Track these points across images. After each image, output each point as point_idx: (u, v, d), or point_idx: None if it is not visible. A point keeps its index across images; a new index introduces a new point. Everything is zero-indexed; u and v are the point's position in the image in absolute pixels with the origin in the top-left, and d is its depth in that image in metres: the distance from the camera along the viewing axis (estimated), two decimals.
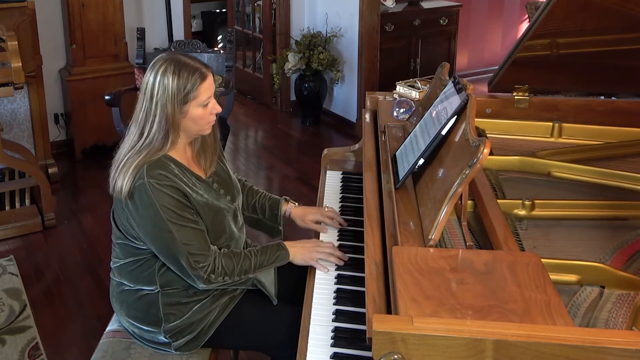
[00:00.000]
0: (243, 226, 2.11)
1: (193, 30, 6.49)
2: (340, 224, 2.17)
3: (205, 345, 1.99)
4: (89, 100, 4.63)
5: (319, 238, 2.13)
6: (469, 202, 1.84)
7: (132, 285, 1.97)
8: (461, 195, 1.61)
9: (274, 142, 5.40)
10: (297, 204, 2.23)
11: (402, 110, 2.37)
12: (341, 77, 5.49)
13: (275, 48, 5.90)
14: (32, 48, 4.10)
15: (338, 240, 2.11)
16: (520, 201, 1.93)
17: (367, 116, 2.55)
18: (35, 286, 3.31)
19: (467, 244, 1.65)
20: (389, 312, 1.45)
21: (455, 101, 1.81)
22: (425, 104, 2.13)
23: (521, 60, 2.29)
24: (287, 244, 2.02)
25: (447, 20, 6.08)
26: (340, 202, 2.36)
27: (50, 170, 4.37)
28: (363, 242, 1.81)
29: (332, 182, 2.50)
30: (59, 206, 4.07)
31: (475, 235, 1.77)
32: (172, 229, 1.81)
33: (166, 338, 1.94)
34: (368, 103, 2.62)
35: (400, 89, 2.61)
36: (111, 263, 2.04)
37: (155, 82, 1.82)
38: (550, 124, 2.40)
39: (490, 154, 1.74)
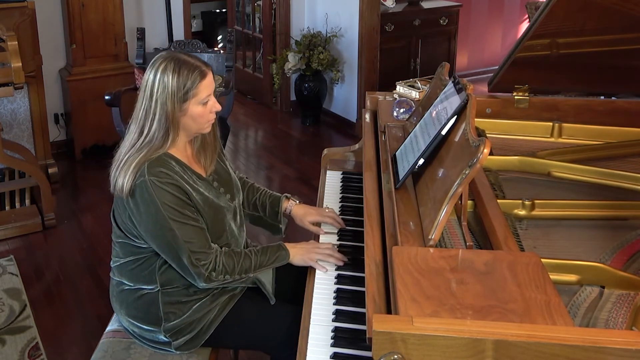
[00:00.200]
0: (243, 225, 2.11)
1: (193, 30, 6.49)
2: (339, 223, 2.17)
3: (205, 344, 1.99)
4: (89, 100, 4.63)
5: (318, 240, 2.13)
6: (469, 202, 1.84)
7: (132, 285, 1.97)
8: (461, 195, 1.61)
9: (274, 142, 5.40)
10: (298, 201, 2.23)
11: (402, 110, 2.37)
12: (341, 77, 5.49)
13: (275, 48, 5.90)
14: (32, 48, 4.10)
15: (338, 240, 2.12)
16: (520, 201, 1.93)
17: (367, 116, 2.55)
18: (35, 286, 3.31)
19: (467, 244, 1.65)
20: (389, 312, 1.45)
21: (455, 101, 1.81)
22: (425, 104, 2.13)
23: (521, 60, 2.29)
24: (288, 245, 2.02)
25: (447, 20, 6.08)
26: (340, 202, 2.35)
27: (50, 170, 4.37)
28: (363, 242, 1.81)
29: (332, 182, 2.50)
30: (59, 206, 4.07)
31: (475, 235, 1.77)
32: (173, 226, 1.81)
33: (166, 337, 1.94)
34: (368, 103, 2.62)
35: (400, 89, 2.61)
36: (111, 262, 2.04)
37: (155, 80, 1.83)
38: (550, 124, 2.40)
39: (490, 154, 1.74)
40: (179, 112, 1.84)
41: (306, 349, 1.64)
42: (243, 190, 2.21)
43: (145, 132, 1.84)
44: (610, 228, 1.89)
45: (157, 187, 1.80)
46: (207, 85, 1.86)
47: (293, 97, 5.82)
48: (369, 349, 1.28)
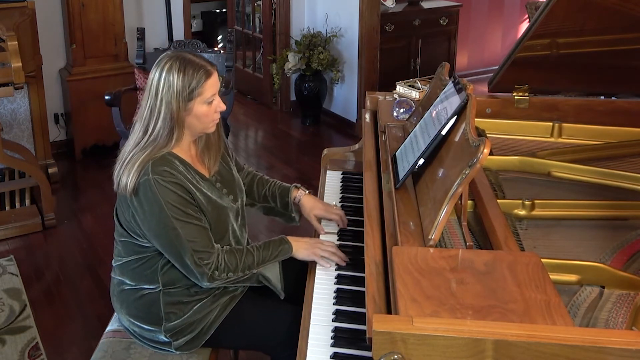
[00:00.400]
0: (245, 225, 2.11)
1: (193, 30, 6.49)
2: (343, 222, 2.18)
3: (206, 344, 1.99)
4: (89, 100, 4.63)
5: (319, 237, 2.13)
6: (469, 202, 1.84)
7: (133, 284, 1.97)
8: (461, 195, 1.61)
9: (274, 142, 5.40)
10: (307, 191, 2.24)
11: (402, 110, 2.37)
12: (341, 77, 5.49)
13: (275, 48, 5.90)
14: (32, 48, 4.10)
15: (338, 240, 2.12)
16: (520, 201, 1.93)
17: (367, 116, 2.55)
18: (35, 286, 3.32)
19: (467, 244, 1.65)
20: (389, 312, 1.45)
21: (455, 101, 1.81)
22: (425, 104, 2.13)
23: (521, 60, 2.29)
24: (291, 238, 2.02)
25: (447, 20, 6.08)
26: (340, 202, 2.35)
27: (50, 170, 4.37)
28: (363, 242, 1.81)
29: (332, 182, 2.50)
30: (59, 206, 4.07)
31: (475, 235, 1.77)
32: (176, 225, 1.82)
33: (166, 337, 1.94)
34: (368, 103, 2.62)
35: (400, 89, 2.61)
36: (113, 261, 2.04)
37: (160, 78, 1.83)
38: (550, 124, 2.40)
39: (490, 154, 1.74)
40: (183, 111, 1.84)
41: (306, 349, 1.64)
42: (253, 183, 2.22)
43: (149, 130, 1.85)
44: (610, 228, 1.89)
45: (161, 185, 1.80)
46: (212, 85, 1.87)
47: (293, 97, 5.82)
48: (369, 349, 1.28)
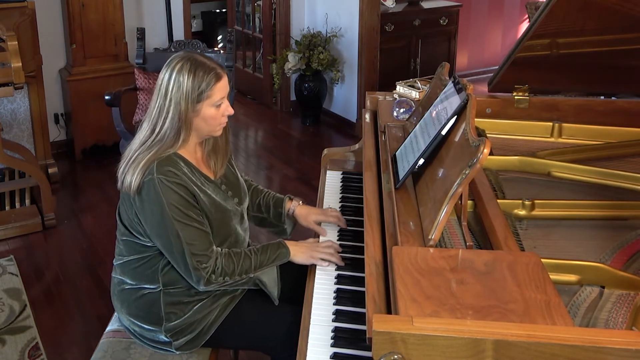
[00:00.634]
0: (248, 229, 2.11)
1: (193, 30, 6.49)
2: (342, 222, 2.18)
3: (206, 344, 1.99)
4: (89, 100, 4.64)
5: (318, 239, 2.13)
6: (469, 202, 1.84)
7: (134, 284, 1.97)
8: (461, 195, 1.61)
9: (274, 142, 5.40)
10: (300, 202, 2.24)
11: (402, 110, 2.37)
12: (341, 77, 5.49)
13: (275, 48, 5.90)
14: (32, 48, 4.10)
15: (338, 240, 2.12)
16: (520, 201, 1.93)
17: (367, 116, 2.55)
18: (35, 286, 3.31)
19: (467, 244, 1.65)
20: (389, 312, 1.45)
21: (455, 101, 1.81)
22: (425, 104, 2.13)
23: (521, 60, 2.29)
24: (288, 242, 2.02)
25: (447, 20, 6.08)
26: (340, 202, 2.36)
27: (50, 170, 4.37)
28: (363, 242, 1.81)
29: (332, 182, 2.50)
30: (59, 206, 4.07)
31: (475, 235, 1.77)
32: (176, 226, 1.82)
33: (167, 337, 1.94)
34: (368, 103, 2.62)
35: (400, 89, 2.61)
36: (114, 260, 2.04)
37: (170, 79, 1.84)
38: (550, 124, 2.40)
39: (490, 154, 1.74)
40: (192, 112, 1.84)
41: (306, 349, 1.64)
42: (248, 191, 2.21)
43: (157, 130, 1.85)
44: (610, 228, 1.89)
45: (165, 186, 1.81)
46: (222, 88, 1.87)
47: (293, 97, 5.82)
48: (369, 349, 1.28)
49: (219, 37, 7.64)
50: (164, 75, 1.86)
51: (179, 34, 5.18)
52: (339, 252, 2.00)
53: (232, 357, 2.50)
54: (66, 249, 3.69)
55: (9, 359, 2.76)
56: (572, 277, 1.66)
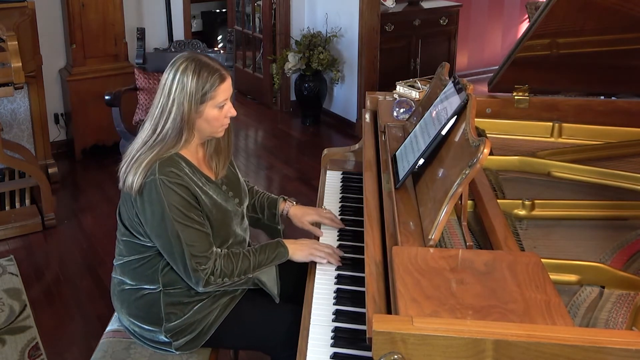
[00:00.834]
0: (248, 229, 2.11)
1: (193, 30, 6.49)
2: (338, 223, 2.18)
3: (206, 345, 1.99)
4: (89, 100, 4.64)
5: (318, 239, 2.13)
6: (469, 202, 1.84)
7: (133, 284, 1.97)
8: (461, 195, 1.61)
9: (274, 142, 5.40)
10: (294, 202, 2.24)
11: (402, 110, 2.37)
12: (341, 77, 5.49)
13: (275, 48, 5.90)
14: (32, 48, 4.10)
15: (338, 240, 2.11)
16: (520, 201, 1.93)
17: (367, 116, 2.55)
18: (35, 286, 3.31)
19: (467, 244, 1.65)
20: (389, 312, 1.45)
21: (455, 101, 1.81)
22: (425, 104, 2.13)
23: (521, 60, 2.29)
24: (286, 241, 2.02)
25: (447, 20, 6.08)
26: (340, 202, 2.36)
27: (50, 170, 4.37)
28: (363, 242, 1.81)
29: (332, 182, 2.50)
30: (59, 206, 4.07)
31: (475, 235, 1.77)
32: (177, 227, 1.82)
33: (167, 338, 1.94)
34: (368, 103, 2.62)
35: (400, 89, 2.61)
36: (114, 260, 2.04)
37: (174, 79, 1.84)
38: (550, 124, 2.40)
39: (490, 154, 1.74)
40: (194, 113, 1.84)
41: (306, 349, 1.64)
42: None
43: (158, 130, 1.85)
44: (610, 228, 1.89)
45: (166, 186, 1.81)
46: (225, 90, 1.87)
47: (293, 97, 5.82)
48: (369, 349, 1.28)
49: (219, 37, 7.64)
50: (167, 75, 1.86)
51: (179, 34, 5.18)
52: (338, 259, 2.00)
53: (232, 357, 2.50)
54: (66, 249, 3.69)
55: (9, 359, 2.76)
56: (572, 277, 1.66)
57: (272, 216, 2.22)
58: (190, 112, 1.83)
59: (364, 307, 1.52)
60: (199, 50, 4.20)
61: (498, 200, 1.83)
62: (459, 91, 1.83)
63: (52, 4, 4.63)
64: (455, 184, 1.56)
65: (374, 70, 5.28)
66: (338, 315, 1.75)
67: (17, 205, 3.88)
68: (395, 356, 1.21)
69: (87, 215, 4.06)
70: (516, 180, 2.15)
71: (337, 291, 1.86)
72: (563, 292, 1.61)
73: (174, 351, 1.96)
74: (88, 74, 4.65)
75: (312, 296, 1.84)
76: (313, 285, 1.89)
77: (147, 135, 1.87)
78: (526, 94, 2.42)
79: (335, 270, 1.95)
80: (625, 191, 2.04)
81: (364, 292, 1.59)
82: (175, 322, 1.93)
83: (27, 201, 3.92)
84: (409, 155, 1.90)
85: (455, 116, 1.77)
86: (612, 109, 2.40)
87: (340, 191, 2.43)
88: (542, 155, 2.23)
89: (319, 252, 1.98)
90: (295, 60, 5.37)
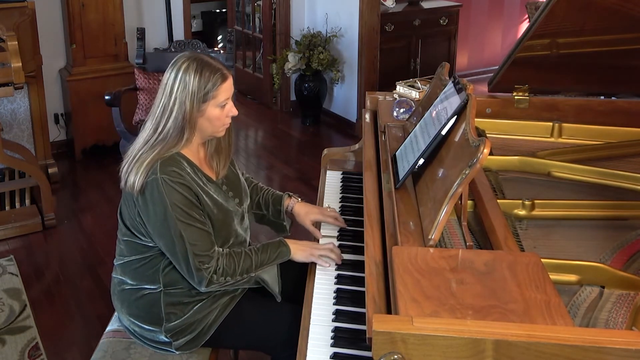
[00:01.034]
0: (248, 229, 2.11)
1: (193, 30, 6.49)
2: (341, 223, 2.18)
3: (206, 344, 1.99)
4: (89, 100, 4.64)
5: (318, 242, 2.13)
6: (469, 202, 1.84)
7: (134, 284, 1.97)
8: (461, 195, 1.61)
9: (274, 142, 5.40)
10: (299, 199, 2.24)
11: (402, 110, 2.37)
12: (341, 77, 5.49)
13: (275, 48, 5.90)
14: (32, 48, 4.10)
15: (338, 240, 2.12)
16: (520, 201, 1.93)
17: (367, 116, 2.55)
18: (35, 286, 3.31)
19: (467, 244, 1.65)
20: (389, 312, 1.45)
21: (455, 101, 1.81)
22: (425, 104, 2.13)
23: (521, 60, 2.29)
24: (288, 241, 2.02)
25: (447, 20, 6.08)
26: (340, 202, 2.36)
27: (50, 170, 4.37)
28: (363, 242, 1.81)
29: (332, 182, 2.50)
30: (59, 206, 4.07)
31: (475, 235, 1.77)
32: (179, 227, 1.82)
33: (167, 337, 1.94)
34: (368, 103, 2.62)
35: (400, 89, 2.61)
36: (114, 260, 2.04)
37: (176, 78, 1.84)
38: (550, 124, 2.40)
39: (490, 154, 1.74)
40: (196, 112, 1.84)
41: (306, 349, 1.64)
42: (248, 189, 2.21)
43: (160, 129, 1.86)
44: (610, 228, 1.89)
45: (168, 186, 1.81)
46: (227, 89, 1.88)
47: (293, 97, 5.82)
48: (369, 349, 1.28)
49: (219, 37, 7.64)
50: (169, 74, 1.86)
51: (179, 34, 5.18)
52: (339, 259, 2.00)
53: (232, 357, 2.50)
54: (66, 249, 3.69)
55: (9, 359, 2.76)
56: (572, 277, 1.66)
57: (277, 212, 2.22)
58: (192, 111, 1.84)
59: (364, 307, 1.52)
60: (199, 50, 4.20)
61: (498, 200, 1.83)
62: (459, 91, 1.83)
63: (52, 4, 4.63)
64: (455, 184, 1.56)
65: (374, 70, 5.28)
66: (338, 315, 1.75)
67: (17, 205, 3.88)
68: (395, 356, 1.21)
69: (87, 215, 4.06)
70: (516, 180, 2.15)
71: (337, 291, 1.86)
72: (563, 292, 1.61)
73: (174, 351, 1.96)
74: (88, 74, 4.65)
75: (312, 296, 1.84)
76: (313, 285, 1.89)
77: (148, 135, 1.88)
78: (526, 94, 2.42)
79: (335, 270, 1.95)
80: (625, 191, 2.04)
81: (364, 292, 1.59)
82: (176, 322, 1.93)
83: (27, 201, 3.92)
84: (409, 155, 1.90)
85: (455, 116, 1.77)
86: (612, 109, 2.40)
87: (340, 191, 2.43)
88: (542, 155, 2.23)
89: (321, 252, 1.98)
90: (295, 60, 5.37)
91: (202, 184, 1.89)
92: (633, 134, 2.34)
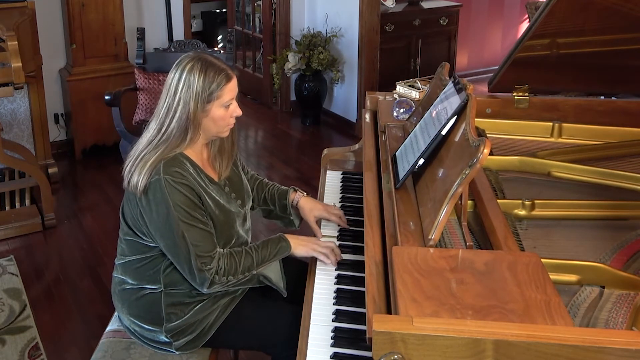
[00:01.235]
0: (250, 230, 2.11)
1: (193, 30, 6.49)
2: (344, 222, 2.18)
3: (206, 345, 1.99)
4: (89, 100, 4.64)
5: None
6: (469, 202, 1.84)
7: (135, 283, 1.97)
8: (461, 195, 1.61)
9: (274, 142, 5.40)
10: (305, 194, 2.24)
11: (402, 110, 2.37)
12: (341, 77, 5.49)
13: (275, 48, 5.90)
14: (32, 48, 4.10)
15: (338, 240, 2.12)
16: (520, 201, 1.93)
17: (367, 116, 2.55)
18: (35, 286, 3.31)
19: (467, 244, 1.65)
20: (389, 312, 1.45)
21: (455, 101, 1.81)
22: (425, 104, 2.13)
23: (521, 60, 2.29)
24: (288, 236, 2.02)
25: (447, 20, 6.08)
26: (340, 202, 2.36)
27: (50, 170, 4.37)
28: (363, 242, 1.81)
29: (332, 182, 2.50)
30: (59, 206, 4.07)
31: (475, 235, 1.77)
32: (182, 227, 1.82)
33: (167, 338, 1.94)
34: (368, 103, 2.62)
35: (400, 89, 2.61)
36: (115, 260, 2.04)
37: (180, 78, 1.84)
38: (550, 124, 2.40)
39: (490, 154, 1.74)
40: (200, 112, 1.85)
41: (306, 349, 1.64)
42: (253, 186, 2.22)
43: (164, 129, 1.86)
44: (610, 228, 1.89)
45: (171, 186, 1.81)
46: (231, 89, 1.88)
47: (293, 97, 5.82)
48: (369, 349, 1.28)
49: (219, 37, 7.64)
50: (173, 74, 1.86)
51: (179, 34, 5.18)
52: (339, 256, 2.00)
53: (232, 357, 2.50)
54: (66, 249, 3.69)
55: (9, 359, 2.76)
56: (572, 277, 1.66)
57: (283, 207, 2.23)
58: (196, 111, 1.84)
59: (364, 307, 1.52)
60: (198, 50, 4.20)
61: (498, 200, 1.83)
62: (459, 91, 1.83)
63: (52, 4, 4.63)
64: (455, 184, 1.55)
65: (374, 70, 5.28)
66: (338, 315, 1.75)
67: (17, 205, 3.88)
68: (395, 356, 1.21)
69: (87, 215, 4.06)
70: (516, 180, 2.15)
71: (337, 291, 1.86)
72: (563, 292, 1.61)
73: (174, 351, 1.96)
74: (88, 74, 4.65)
75: (312, 296, 1.84)
76: (313, 285, 1.89)
77: (152, 135, 1.88)
78: (526, 94, 2.42)
79: (335, 270, 1.96)
80: (625, 191, 2.04)
81: (364, 292, 1.59)
82: (176, 322, 1.93)
83: (27, 201, 3.92)
84: (409, 155, 1.90)
85: (455, 116, 1.77)
86: (612, 109, 2.40)
87: (340, 191, 2.43)
88: (542, 155, 2.23)
89: (321, 248, 1.98)
90: (295, 60, 5.37)
91: (204, 185, 1.89)
92: (633, 134, 2.34)
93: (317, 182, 2.56)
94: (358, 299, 1.78)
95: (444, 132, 1.79)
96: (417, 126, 2.00)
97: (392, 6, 5.87)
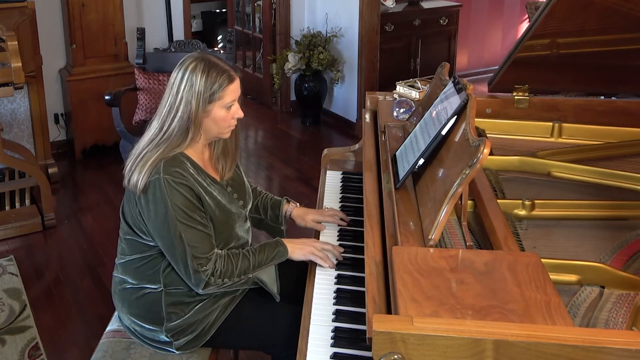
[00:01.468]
0: (250, 230, 2.11)
1: (193, 30, 6.49)
2: (342, 219, 2.18)
3: (206, 344, 1.99)
4: (89, 100, 4.64)
5: (318, 238, 2.13)
6: (469, 202, 1.84)
7: (135, 283, 1.97)
8: (461, 195, 1.61)
9: (274, 142, 5.40)
10: (297, 204, 2.24)
11: (402, 110, 2.37)
12: (341, 77, 5.49)
13: (275, 48, 5.90)
14: (32, 48, 4.10)
15: (338, 240, 2.12)
16: (520, 201, 1.93)
17: (367, 116, 2.55)
18: (35, 286, 3.31)
19: (467, 244, 1.65)
20: (389, 312, 1.45)
21: (455, 101, 1.81)
22: (425, 104, 2.13)
23: (521, 60, 2.29)
24: (285, 240, 2.03)
25: (447, 20, 6.08)
26: (340, 202, 2.36)
27: (50, 170, 4.37)
28: (363, 242, 1.81)
29: (332, 182, 2.50)
30: (59, 206, 4.07)
31: (475, 235, 1.77)
32: (180, 228, 1.82)
33: (167, 337, 1.94)
34: (368, 103, 2.62)
35: (400, 89, 2.61)
36: (116, 259, 2.04)
37: (183, 78, 1.84)
38: (550, 124, 2.41)
39: (491, 154, 1.74)
40: (202, 112, 1.85)
41: (306, 349, 1.64)
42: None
43: (165, 128, 1.86)
44: (611, 228, 1.89)
45: (171, 186, 1.81)
46: (234, 91, 1.88)
47: (293, 97, 5.82)
48: (369, 349, 1.28)
49: (219, 37, 7.64)
50: (176, 74, 1.87)
51: (179, 34, 5.18)
52: (339, 254, 2.00)
53: (232, 357, 2.50)
54: (66, 249, 3.69)
55: (9, 359, 2.76)
56: (572, 277, 1.66)
57: (275, 217, 2.22)
58: (197, 111, 1.84)
59: (364, 307, 1.52)
60: (198, 51, 4.20)
61: (498, 200, 1.83)
62: (459, 91, 1.83)
63: (52, 4, 4.63)
64: (455, 184, 1.56)
65: (374, 70, 5.28)
66: (338, 315, 1.75)
67: (17, 205, 3.88)
68: (395, 356, 1.21)
69: (87, 215, 4.06)
70: (516, 180, 2.15)
71: (337, 291, 1.86)
72: (563, 292, 1.61)
73: (174, 351, 1.96)
74: (88, 74, 4.65)
75: (312, 296, 1.84)
76: (313, 285, 1.89)
77: (153, 134, 1.88)
78: (526, 94, 2.42)
79: (336, 270, 1.95)
80: (625, 191, 2.04)
81: (364, 292, 1.59)
82: (176, 322, 1.93)
83: (27, 201, 3.92)
84: (409, 155, 1.90)
85: (455, 116, 1.77)
86: (612, 109, 2.40)
87: (340, 191, 2.43)
88: (542, 155, 2.23)
89: (318, 252, 1.98)
90: (295, 60, 5.37)
91: (205, 184, 1.89)
92: (633, 134, 2.34)
93: (317, 182, 2.56)
94: (358, 299, 1.78)
95: (444, 132, 1.79)
96: (417, 126, 2.00)
97: (392, 6, 5.87)
